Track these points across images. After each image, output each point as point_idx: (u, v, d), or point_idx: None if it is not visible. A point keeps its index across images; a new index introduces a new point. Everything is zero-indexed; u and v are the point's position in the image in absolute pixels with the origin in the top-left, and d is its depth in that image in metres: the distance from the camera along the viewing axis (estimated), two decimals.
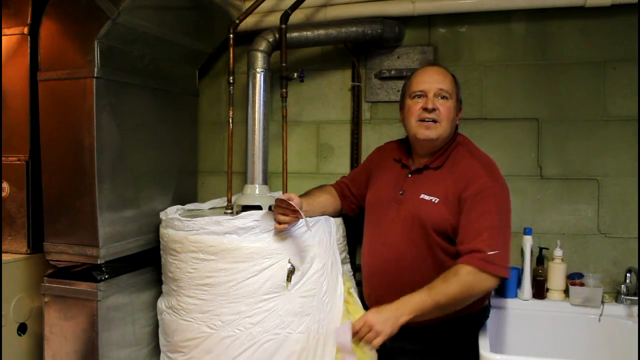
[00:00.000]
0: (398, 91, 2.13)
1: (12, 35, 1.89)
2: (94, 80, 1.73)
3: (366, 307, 1.78)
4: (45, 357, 1.83)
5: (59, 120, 1.79)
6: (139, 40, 1.89)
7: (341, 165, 2.31)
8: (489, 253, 1.47)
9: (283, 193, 1.85)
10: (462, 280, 1.45)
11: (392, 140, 1.93)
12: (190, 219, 1.75)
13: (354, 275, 2.00)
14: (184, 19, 2.06)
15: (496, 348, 1.65)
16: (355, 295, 1.82)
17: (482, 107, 2.14)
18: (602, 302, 1.92)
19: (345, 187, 1.94)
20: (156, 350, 1.96)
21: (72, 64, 1.75)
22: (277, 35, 2.04)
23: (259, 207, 1.89)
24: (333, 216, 1.88)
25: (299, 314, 1.67)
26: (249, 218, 1.71)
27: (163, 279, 1.91)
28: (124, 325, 1.89)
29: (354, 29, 2.09)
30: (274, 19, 2.13)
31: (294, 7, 1.99)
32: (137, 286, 1.95)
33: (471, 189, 1.55)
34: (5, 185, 1.93)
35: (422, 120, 1.63)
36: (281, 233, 1.70)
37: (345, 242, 1.93)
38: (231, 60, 1.99)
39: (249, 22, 2.19)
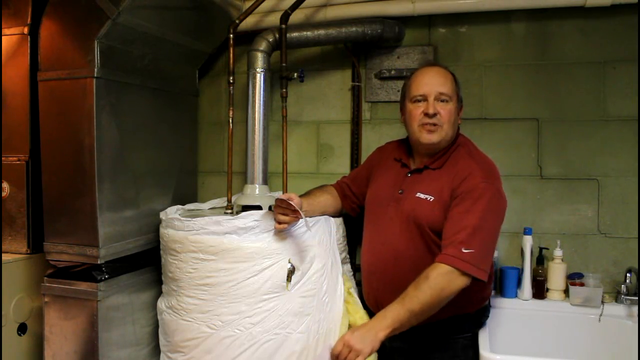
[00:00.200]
0: (398, 91, 2.13)
1: (12, 35, 1.89)
2: (94, 80, 1.73)
3: (366, 307, 1.79)
4: (45, 357, 1.83)
5: (59, 120, 1.79)
6: (139, 40, 1.89)
7: (341, 165, 2.31)
8: (463, 251, 1.45)
9: (283, 193, 1.85)
10: (432, 284, 1.44)
11: (393, 140, 1.93)
12: (190, 219, 1.75)
13: (354, 275, 2.00)
14: (184, 19, 2.06)
15: (496, 348, 1.65)
16: (355, 295, 1.82)
17: (482, 107, 2.14)
18: (602, 302, 1.92)
19: (346, 187, 1.94)
20: (156, 350, 1.96)
21: (72, 64, 1.75)
22: (277, 35, 2.04)
23: (259, 207, 1.89)
24: (333, 216, 1.88)
25: (299, 314, 1.67)
26: (249, 218, 1.71)
27: (163, 279, 1.91)
28: (124, 325, 1.89)
29: (354, 29, 2.09)
30: (274, 19, 2.13)
31: (294, 7, 1.99)
32: (137, 286, 1.95)
33: (463, 187, 1.55)
34: (5, 185, 1.93)
35: (424, 125, 1.63)
36: (281, 233, 1.70)
37: (345, 242, 1.93)
38: (231, 60, 1.99)
39: (249, 22, 2.19)
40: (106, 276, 1.80)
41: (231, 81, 1.99)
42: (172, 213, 1.91)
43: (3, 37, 1.90)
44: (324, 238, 1.77)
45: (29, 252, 1.92)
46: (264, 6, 2.12)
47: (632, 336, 1.80)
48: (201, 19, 2.14)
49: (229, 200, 1.99)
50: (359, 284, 1.88)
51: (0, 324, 1.79)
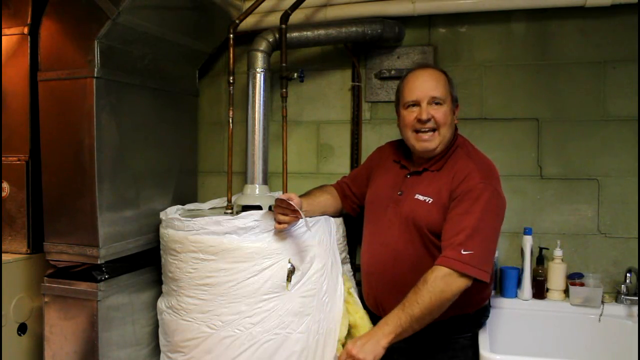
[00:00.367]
0: None
1: (12, 35, 1.89)
2: (94, 80, 1.73)
3: (366, 307, 1.79)
4: (45, 357, 1.83)
5: (59, 120, 1.79)
6: (139, 40, 1.89)
7: (341, 165, 2.31)
8: (463, 253, 1.46)
9: (283, 193, 1.85)
10: (431, 287, 1.44)
11: (393, 140, 1.93)
12: (190, 219, 1.75)
13: (354, 275, 2.00)
14: (184, 19, 2.06)
15: (496, 348, 1.65)
16: (355, 295, 1.82)
17: (482, 107, 2.14)
18: (602, 302, 1.92)
19: (346, 187, 1.94)
20: (156, 350, 1.96)
21: (72, 64, 1.75)
22: (277, 35, 2.04)
23: (259, 207, 1.89)
24: (333, 216, 1.88)
25: (299, 314, 1.67)
26: (249, 218, 1.71)
27: (163, 279, 1.91)
28: (124, 325, 1.89)
29: (354, 29, 2.09)
30: (274, 19, 2.13)
31: (294, 7, 1.99)
32: (137, 286, 1.95)
33: (461, 188, 1.55)
34: (5, 185, 1.93)
35: (418, 132, 1.63)
36: (281, 233, 1.70)
37: (345, 242, 1.93)
38: (231, 60, 1.99)
39: (249, 22, 2.19)
40: (106, 276, 1.80)
41: (231, 81, 1.99)
42: (172, 213, 1.91)
43: (3, 37, 1.90)
44: (324, 238, 1.77)
45: (29, 252, 1.92)
46: (264, 6, 2.12)
47: (632, 336, 1.80)
48: (201, 19, 2.14)
49: (229, 200, 1.99)
50: (359, 284, 1.88)
51: (0, 324, 1.79)
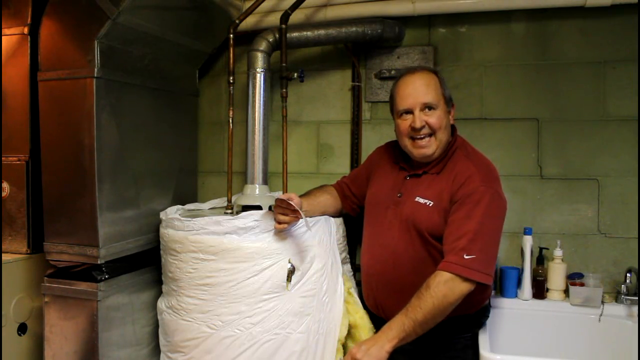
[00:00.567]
0: None
1: (12, 35, 1.89)
2: (94, 80, 1.73)
3: (366, 307, 1.78)
4: (45, 357, 1.83)
5: (59, 120, 1.79)
6: (139, 40, 1.89)
7: (341, 165, 2.31)
8: (465, 257, 1.46)
9: (283, 193, 1.85)
10: (433, 292, 1.44)
11: (392, 140, 1.93)
12: (190, 219, 1.75)
13: (354, 275, 2.00)
14: (184, 19, 2.06)
15: (496, 348, 1.65)
16: (355, 295, 1.82)
17: (482, 107, 2.14)
18: (602, 302, 1.92)
19: (346, 187, 1.94)
20: (156, 350, 1.96)
21: (72, 64, 1.75)
22: (277, 35, 2.04)
23: (259, 207, 1.89)
24: (333, 216, 1.88)
25: (299, 314, 1.67)
26: (249, 218, 1.71)
27: (163, 279, 1.91)
28: (124, 325, 1.89)
29: (354, 29, 2.09)
30: (274, 19, 2.13)
31: (294, 7, 1.99)
32: (137, 286, 1.95)
33: (462, 191, 1.55)
34: (5, 185, 1.93)
35: (414, 139, 1.63)
36: (281, 233, 1.70)
37: (345, 242, 1.93)
38: (231, 60, 1.99)
39: (249, 22, 2.19)
40: (106, 276, 1.80)
41: (231, 81, 1.99)
42: (172, 213, 1.91)
43: (3, 37, 1.90)
44: (324, 238, 1.77)
45: (29, 252, 1.92)
46: (264, 6, 2.12)
47: (632, 336, 1.80)
48: (201, 19, 2.14)
49: (229, 200, 1.99)
50: (359, 284, 1.88)
51: (0, 324, 1.79)
